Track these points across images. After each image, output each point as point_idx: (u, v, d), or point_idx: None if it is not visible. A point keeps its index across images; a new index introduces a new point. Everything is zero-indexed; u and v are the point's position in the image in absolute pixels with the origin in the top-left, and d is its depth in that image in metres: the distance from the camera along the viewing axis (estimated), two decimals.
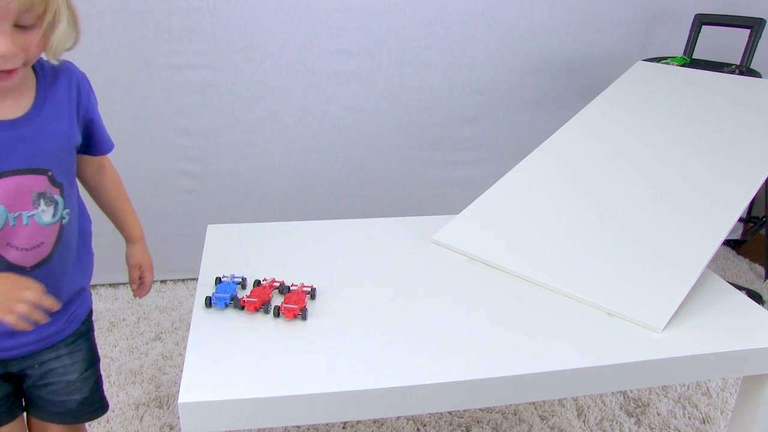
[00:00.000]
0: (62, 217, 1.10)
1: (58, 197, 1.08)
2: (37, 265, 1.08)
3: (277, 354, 1.14)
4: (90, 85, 1.15)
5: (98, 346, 1.96)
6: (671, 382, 1.21)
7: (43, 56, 1.03)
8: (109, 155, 1.27)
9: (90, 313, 1.28)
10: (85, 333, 1.25)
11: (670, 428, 1.81)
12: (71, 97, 1.09)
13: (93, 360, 1.28)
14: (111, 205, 1.32)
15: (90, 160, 1.24)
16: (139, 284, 1.39)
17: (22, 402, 1.23)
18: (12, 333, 1.09)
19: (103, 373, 2.01)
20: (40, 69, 1.06)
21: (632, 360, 1.16)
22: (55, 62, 1.03)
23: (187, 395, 1.04)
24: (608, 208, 1.52)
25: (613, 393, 1.95)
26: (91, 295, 1.28)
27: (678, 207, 1.48)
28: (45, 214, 1.06)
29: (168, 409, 1.88)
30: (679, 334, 1.23)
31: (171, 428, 1.80)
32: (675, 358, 1.18)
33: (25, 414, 1.25)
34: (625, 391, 1.96)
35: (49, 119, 1.05)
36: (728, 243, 3.13)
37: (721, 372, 1.24)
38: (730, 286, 1.42)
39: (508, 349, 1.18)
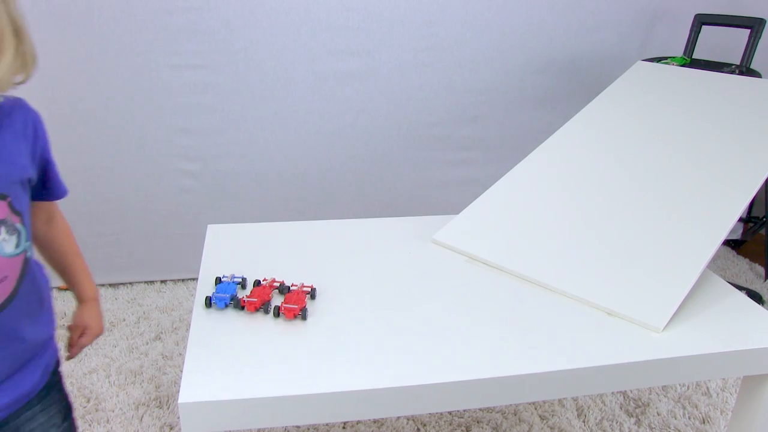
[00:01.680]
0: (26, 250, 0.99)
1: (20, 226, 0.97)
2: (2, 306, 0.96)
3: (277, 354, 1.14)
4: (44, 127, 1.07)
5: (97, 347, 1.96)
6: (671, 382, 1.21)
7: None
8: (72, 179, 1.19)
9: (58, 363, 1.17)
10: (56, 383, 1.14)
11: (670, 428, 1.81)
12: (27, 133, 1.01)
13: (68, 410, 1.18)
14: (62, 259, 1.20)
15: (40, 209, 1.13)
16: (75, 344, 1.22)
17: None
18: None
19: (103, 373, 2.01)
20: None
21: (632, 360, 1.16)
22: None
23: (187, 395, 1.04)
24: (608, 208, 1.52)
25: (613, 393, 1.95)
26: (57, 346, 1.17)
27: (678, 207, 1.48)
28: (7, 243, 0.95)
29: (168, 409, 1.88)
30: (679, 334, 1.23)
31: (171, 428, 1.80)
32: (675, 358, 1.18)
33: None
34: (625, 391, 1.96)
35: (5, 148, 0.97)
36: (728, 243, 3.13)
37: (721, 372, 1.24)
38: (730, 286, 1.42)
39: (508, 349, 1.18)
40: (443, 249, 1.53)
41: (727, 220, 1.41)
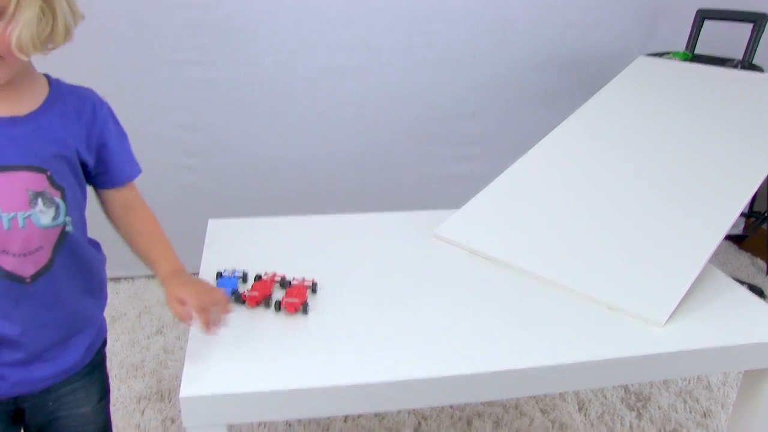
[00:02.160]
0: (65, 224, 1.01)
1: (59, 200, 1.00)
2: (38, 275, 1.00)
3: (278, 348, 1.14)
4: (112, 114, 1.11)
5: None
6: (672, 376, 1.21)
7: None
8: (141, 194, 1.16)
9: (104, 343, 1.20)
10: (99, 364, 1.18)
11: (671, 422, 1.81)
12: (82, 118, 1.04)
13: (105, 391, 1.22)
14: (141, 245, 1.14)
15: (113, 196, 1.13)
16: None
17: None
18: (26, 364, 1.04)
19: None
20: (55, 84, 1.04)
21: (633, 354, 1.16)
22: (24, 57, 0.91)
23: (188, 389, 1.04)
24: (610, 203, 1.52)
25: (614, 387, 1.96)
26: (106, 325, 1.20)
27: (680, 202, 1.48)
28: (43, 215, 0.98)
29: (170, 402, 1.88)
30: (680, 329, 1.23)
31: (172, 422, 1.81)
32: (676, 353, 1.18)
33: None
34: (627, 385, 1.96)
35: (51, 125, 1.00)
36: (730, 238, 3.12)
37: (723, 366, 1.24)
38: (732, 280, 1.42)
39: (509, 343, 1.18)
40: (444, 243, 1.53)
41: (728, 215, 1.41)
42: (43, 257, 1.00)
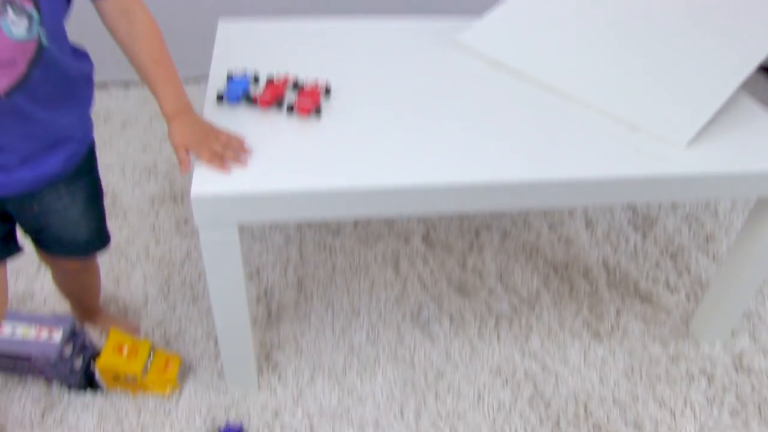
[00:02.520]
0: (39, 36, 0.94)
1: (31, 10, 0.91)
2: (14, 89, 0.94)
3: (289, 150, 1.14)
4: None
5: (111, 145, 1.97)
6: (689, 198, 1.21)
7: None
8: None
9: (92, 148, 1.17)
10: (87, 171, 1.17)
11: (674, 244, 1.85)
12: None
13: (95, 195, 1.22)
14: (141, 68, 1.08)
15: (108, 3, 1.04)
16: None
17: (11, 247, 1.19)
18: (4, 169, 1.03)
19: (118, 169, 2.05)
20: None
21: (651, 174, 1.16)
22: None
23: (199, 188, 1.05)
24: (642, 21, 1.43)
25: (622, 208, 1.98)
26: (92, 133, 1.16)
27: (716, 23, 1.39)
28: (15, 26, 0.90)
29: (183, 204, 1.93)
30: (701, 152, 1.21)
31: (186, 222, 1.86)
32: (695, 175, 1.17)
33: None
34: (635, 206, 1.98)
35: None
36: (765, 69, 2.99)
37: (740, 192, 1.24)
38: (761, 108, 1.37)
39: (525, 155, 1.17)
40: (465, 53, 1.47)
41: (766, 43, 1.32)
42: (17, 71, 0.94)
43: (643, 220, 1.94)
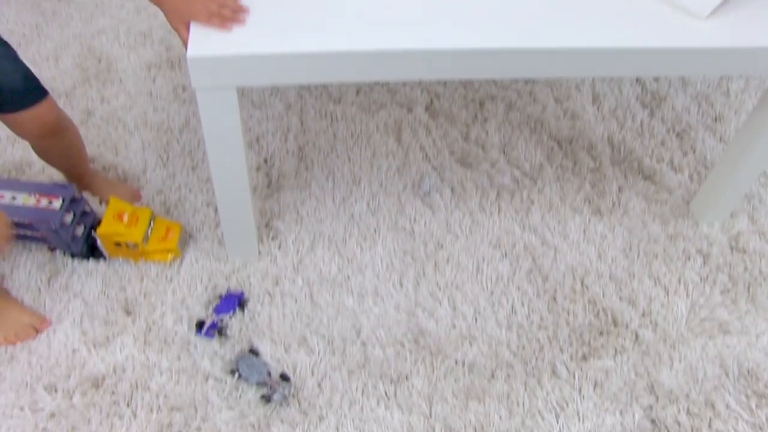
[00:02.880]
0: None
1: None
2: None
3: (288, 11, 1.08)
4: None
5: (103, 8, 1.87)
6: (703, 71, 1.17)
7: None
8: None
9: None
10: None
11: (681, 123, 1.81)
12: None
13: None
14: None
15: None
16: None
17: None
18: None
19: (112, 33, 1.95)
20: None
21: (666, 45, 1.11)
22: None
23: (196, 49, 1.01)
24: None
25: (631, 83, 1.92)
26: None
27: None
28: None
29: (180, 70, 1.86)
30: (721, 25, 1.15)
31: (184, 89, 1.80)
32: (711, 48, 1.12)
33: None
34: (644, 82, 1.92)
35: None
36: None
37: (755, 68, 1.19)
38: None
39: (537, 21, 1.11)
40: None
41: None
42: None
43: (651, 96, 1.89)
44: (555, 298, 1.39)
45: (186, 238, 1.44)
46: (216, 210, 1.49)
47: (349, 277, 1.41)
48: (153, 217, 1.39)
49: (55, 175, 1.53)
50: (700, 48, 1.12)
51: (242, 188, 1.26)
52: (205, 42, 1.02)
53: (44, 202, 1.30)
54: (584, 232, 1.52)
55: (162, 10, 1.09)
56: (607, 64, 1.13)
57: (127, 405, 1.19)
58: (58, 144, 1.37)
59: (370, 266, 1.43)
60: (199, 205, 1.51)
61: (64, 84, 1.78)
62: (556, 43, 1.09)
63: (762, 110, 1.33)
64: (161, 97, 1.78)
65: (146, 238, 1.36)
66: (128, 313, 1.32)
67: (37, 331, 1.28)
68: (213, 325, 1.29)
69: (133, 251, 1.37)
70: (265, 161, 1.63)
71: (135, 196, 1.51)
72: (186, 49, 1.02)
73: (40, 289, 1.35)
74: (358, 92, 1.83)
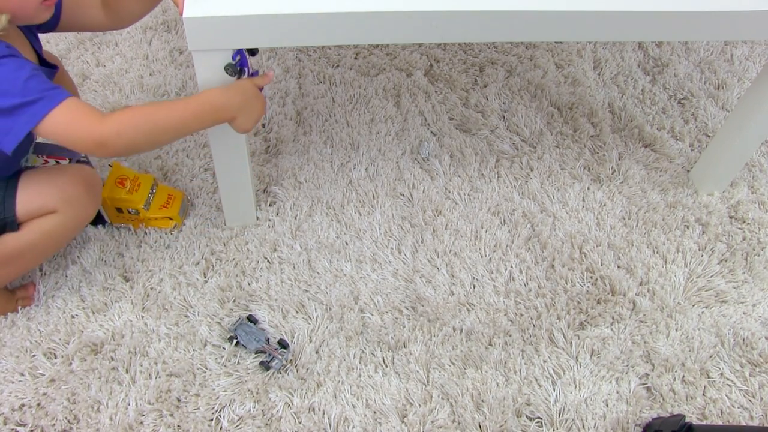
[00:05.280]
0: None
1: None
2: None
3: None
4: None
5: None
6: (709, 37, 1.15)
7: None
8: None
9: None
10: None
11: (683, 90, 1.79)
12: None
13: None
14: None
15: None
16: None
17: None
18: None
19: None
20: None
21: (669, 8, 1.09)
22: None
23: (192, 9, 0.99)
24: None
25: (633, 49, 1.90)
26: None
27: None
28: None
29: (176, 33, 1.82)
30: None
31: (180, 52, 1.77)
32: (716, 12, 1.11)
33: None
34: (646, 48, 1.90)
35: None
36: None
37: (760, 32, 1.18)
38: None
39: None
40: None
41: None
42: None
43: (653, 63, 1.87)
44: (553, 266, 1.39)
45: (187, 207, 1.43)
46: (213, 175, 1.48)
47: (347, 243, 1.40)
48: (155, 184, 1.38)
49: None
50: (704, 11, 1.11)
51: (240, 153, 1.25)
52: (201, 2, 1.00)
53: (51, 162, 1.29)
54: (583, 199, 1.52)
55: None
56: (609, 27, 1.12)
57: (126, 371, 1.20)
58: None
59: (368, 232, 1.42)
60: (196, 171, 1.50)
61: (58, 47, 1.75)
62: (557, 5, 1.07)
63: (766, 78, 1.32)
64: (157, 60, 1.75)
65: (147, 204, 1.35)
66: (126, 279, 1.32)
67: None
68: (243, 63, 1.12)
69: (134, 217, 1.36)
70: (263, 126, 1.61)
71: None
72: (180, 12, 1.00)
73: None
74: (356, 56, 1.80)
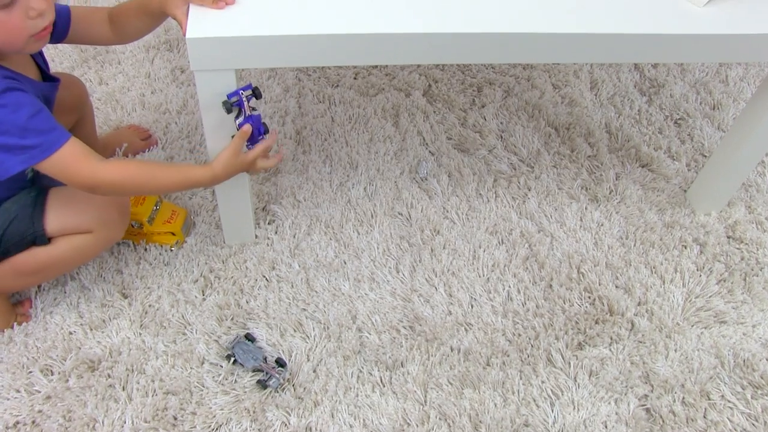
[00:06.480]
0: None
1: None
2: None
3: None
4: None
5: None
6: (701, 59, 1.17)
7: None
8: None
9: None
10: None
11: (679, 110, 1.81)
12: None
13: None
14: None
15: None
16: None
17: None
18: None
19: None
20: None
21: (665, 31, 1.11)
22: None
23: (194, 30, 1.00)
24: None
25: (629, 70, 1.91)
26: None
27: None
28: None
29: (179, 52, 1.84)
30: (720, 11, 1.15)
31: (182, 71, 1.79)
32: (711, 35, 1.12)
33: None
34: (642, 69, 1.92)
35: None
36: None
37: (754, 55, 1.19)
38: None
39: (537, 5, 1.12)
40: None
41: None
42: None
43: (650, 83, 1.89)
44: (551, 286, 1.39)
45: (191, 225, 1.44)
46: (213, 193, 1.48)
47: (345, 262, 1.40)
48: (160, 200, 1.39)
49: None
50: (699, 35, 1.12)
51: None
52: (204, 23, 1.01)
53: None
54: (581, 219, 1.52)
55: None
56: (606, 50, 1.13)
57: (123, 388, 1.19)
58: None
59: (366, 251, 1.42)
60: (196, 189, 1.51)
61: (62, 65, 1.76)
62: (554, 28, 1.08)
63: (760, 98, 1.33)
64: (159, 78, 1.76)
65: (151, 219, 1.36)
66: (125, 296, 1.32)
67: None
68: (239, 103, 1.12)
69: (136, 231, 1.37)
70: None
71: (143, 134, 1.59)
72: (183, 32, 1.01)
73: None
74: (356, 76, 1.82)
